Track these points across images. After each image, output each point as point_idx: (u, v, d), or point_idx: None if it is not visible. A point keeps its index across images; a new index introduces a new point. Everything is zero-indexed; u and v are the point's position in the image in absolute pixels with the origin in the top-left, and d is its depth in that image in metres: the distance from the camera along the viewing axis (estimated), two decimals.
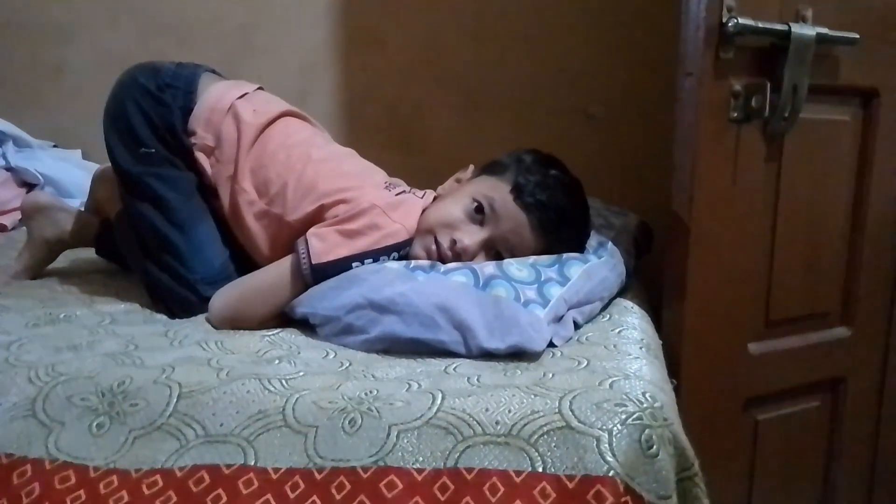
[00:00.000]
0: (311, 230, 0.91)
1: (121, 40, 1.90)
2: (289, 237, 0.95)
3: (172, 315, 0.95)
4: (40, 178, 1.72)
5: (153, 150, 0.99)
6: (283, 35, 1.81)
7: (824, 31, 0.90)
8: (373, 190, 0.96)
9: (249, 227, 0.99)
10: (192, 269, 0.96)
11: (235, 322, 0.89)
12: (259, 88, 1.10)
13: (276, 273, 0.91)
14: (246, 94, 1.05)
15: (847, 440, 1.11)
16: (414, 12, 1.74)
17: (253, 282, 0.93)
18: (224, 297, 0.91)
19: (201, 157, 1.01)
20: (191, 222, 0.99)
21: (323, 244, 0.88)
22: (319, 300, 0.86)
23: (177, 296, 0.95)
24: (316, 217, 0.94)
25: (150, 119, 1.00)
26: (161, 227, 0.97)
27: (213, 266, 0.97)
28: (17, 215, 1.63)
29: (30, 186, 1.74)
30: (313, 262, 0.88)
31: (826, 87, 0.96)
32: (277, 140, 1.01)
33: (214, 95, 1.03)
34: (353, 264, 0.88)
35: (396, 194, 0.96)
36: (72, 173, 1.76)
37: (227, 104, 1.02)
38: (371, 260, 0.89)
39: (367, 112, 1.77)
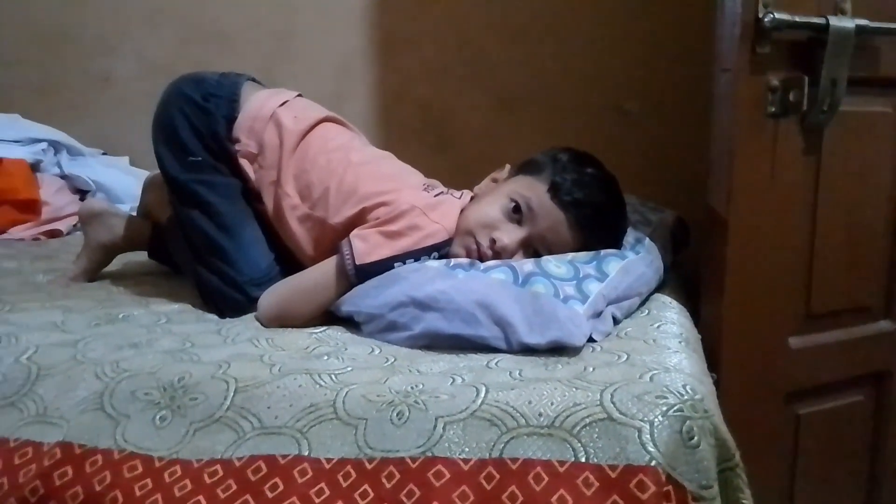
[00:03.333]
0: (354, 232, 0.94)
1: (163, 49, 1.97)
2: (332, 239, 0.98)
3: (223, 315, 0.99)
4: (92, 184, 1.80)
5: (200, 158, 1.04)
6: (318, 40, 1.85)
7: (864, 22, 0.89)
8: (411, 191, 0.99)
9: (293, 231, 1.03)
10: (241, 271, 0.99)
11: (282, 320, 0.93)
12: (298, 96, 1.14)
13: (321, 273, 0.95)
14: (286, 101, 1.09)
15: (892, 435, 1.10)
16: (446, 14, 1.76)
17: (299, 281, 0.96)
18: (272, 297, 0.95)
19: (245, 163, 1.05)
20: (237, 226, 1.03)
21: (366, 245, 0.91)
22: (363, 298, 0.89)
23: (226, 297, 0.99)
24: (358, 219, 0.97)
25: (195, 128, 1.04)
26: (209, 232, 1.01)
27: (259, 267, 1.00)
28: (73, 220, 1.71)
29: (82, 193, 1.82)
30: (357, 262, 0.91)
31: (867, 78, 0.95)
32: (317, 145, 1.05)
33: (256, 104, 1.07)
34: (395, 264, 0.90)
35: (435, 195, 0.99)
36: (121, 179, 1.84)
37: (268, 112, 1.05)
38: (412, 259, 0.91)
39: (401, 113, 1.80)
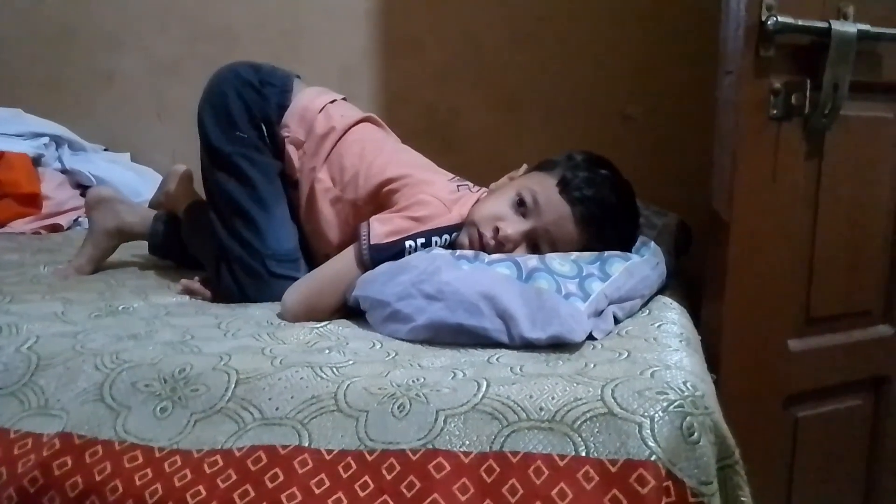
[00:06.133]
0: (374, 217, 0.98)
1: (169, 46, 1.97)
2: (356, 221, 1.02)
3: (240, 288, 1.02)
4: (93, 179, 1.80)
5: (246, 136, 1.09)
6: (324, 40, 1.86)
7: (866, 27, 0.90)
8: (439, 183, 1.04)
9: (323, 213, 1.08)
10: (266, 243, 1.04)
11: (310, 313, 0.93)
12: (343, 99, 1.20)
13: (342, 261, 0.97)
14: (336, 100, 1.16)
15: (890, 439, 1.10)
16: (451, 15, 1.77)
17: (322, 273, 0.98)
18: (296, 292, 0.96)
19: (291, 149, 1.10)
20: (271, 202, 1.07)
21: (384, 227, 0.96)
22: (371, 284, 0.90)
23: (247, 266, 1.03)
24: (380, 196, 1.03)
25: (249, 108, 1.09)
26: (243, 202, 1.06)
27: (283, 246, 1.05)
28: (73, 215, 1.72)
29: (83, 188, 1.82)
30: (371, 241, 0.94)
31: (868, 83, 0.96)
32: (355, 137, 1.11)
33: (310, 96, 1.14)
34: (407, 243, 0.94)
35: (458, 189, 1.04)
36: (121, 175, 1.84)
37: (320, 105, 1.12)
38: (423, 240, 0.95)
39: (406, 114, 1.81)
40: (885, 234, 1.05)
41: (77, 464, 0.68)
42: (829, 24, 0.88)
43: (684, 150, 1.53)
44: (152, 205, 1.33)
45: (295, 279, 1.01)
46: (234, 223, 1.05)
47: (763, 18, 0.86)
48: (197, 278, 1.10)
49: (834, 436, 1.07)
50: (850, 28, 0.89)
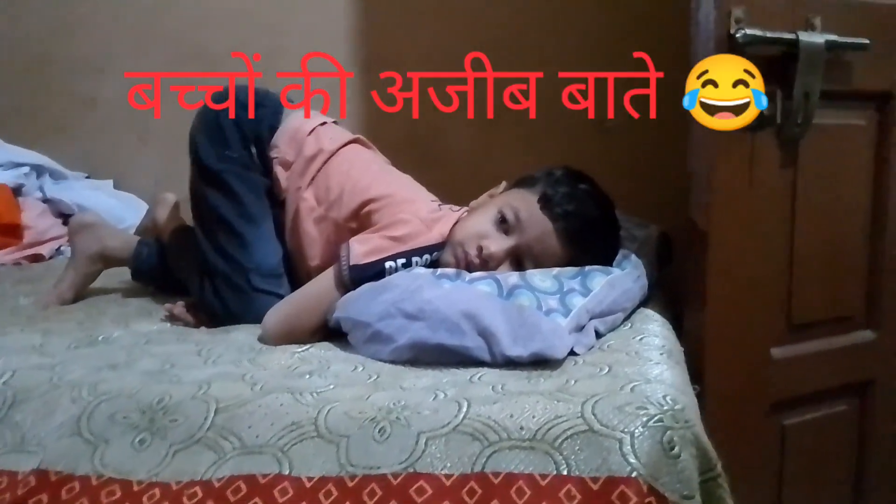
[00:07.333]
0: (354, 237, 0.98)
1: (149, 71, 1.97)
2: (338, 240, 1.02)
3: (222, 302, 1.03)
4: (75, 208, 1.79)
5: (236, 155, 1.10)
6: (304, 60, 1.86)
7: (833, 37, 0.91)
8: (421, 203, 1.05)
9: (307, 232, 1.08)
10: (251, 258, 1.05)
11: (290, 335, 0.93)
12: (334, 122, 1.22)
13: (322, 282, 0.98)
14: (326, 122, 1.18)
15: (877, 443, 1.10)
16: (432, 34, 1.79)
17: (302, 294, 0.99)
18: (277, 314, 0.96)
19: (279, 169, 1.12)
20: (258, 217, 1.09)
21: (363, 247, 0.96)
22: (353, 304, 0.89)
23: (230, 281, 1.04)
24: (360, 213, 1.03)
25: (241, 129, 1.11)
26: (229, 217, 1.07)
27: (268, 261, 1.06)
28: (55, 244, 1.70)
29: (65, 217, 1.80)
30: (351, 262, 0.94)
31: (839, 92, 0.97)
32: (344, 157, 1.12)
33: (299, 119, 1.16)
34: (387, 264, 0.94)
35: (438, 207, 1.06)
36: (104, 202, 1.83)
37: (310, 127, 1.14)
38: (404, 260, 0.95)
39: (387, 132, 1.81)
40: (863, 239, 1.06)
41: (53, 501, 0.67)
42: (797, 36, 0.89)
43: (663, 161, 1.54)
44: (138, 232, 1.35)
45: (277, 295, 1.02)
46: (219, 238, 1.07)
47: (732, 31, 0.87)
48: (181, 303, 1.09)
49: (821, 442, 1.08)
50: (818, 38, 0.90)
